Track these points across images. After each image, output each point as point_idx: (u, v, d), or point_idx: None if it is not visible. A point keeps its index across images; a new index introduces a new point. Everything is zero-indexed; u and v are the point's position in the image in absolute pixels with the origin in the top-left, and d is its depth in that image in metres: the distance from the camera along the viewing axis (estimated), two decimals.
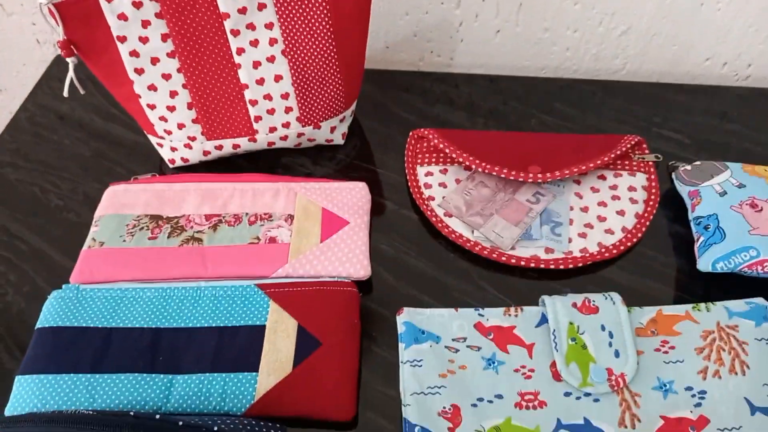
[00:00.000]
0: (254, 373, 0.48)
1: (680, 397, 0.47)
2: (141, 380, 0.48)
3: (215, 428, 0.39)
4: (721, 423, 0.46)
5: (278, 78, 0.59)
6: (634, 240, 0.58)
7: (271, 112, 0.61)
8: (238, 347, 0.50)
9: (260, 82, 0.59)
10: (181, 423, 0.39)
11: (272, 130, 0.62)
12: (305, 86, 0.60)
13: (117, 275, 0.54)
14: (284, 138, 0.63)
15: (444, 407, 0.47)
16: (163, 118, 0.60)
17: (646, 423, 0.46)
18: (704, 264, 0.53)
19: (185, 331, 0.51)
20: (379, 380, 0.50)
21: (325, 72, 0.60)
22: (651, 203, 0.60)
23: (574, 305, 0.51)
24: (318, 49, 0.58)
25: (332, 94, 0.62)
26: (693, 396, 0.47)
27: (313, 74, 0.60)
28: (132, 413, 0.39)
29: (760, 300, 0.51)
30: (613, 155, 0.61)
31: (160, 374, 0.48)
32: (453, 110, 0.72)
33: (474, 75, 0.76)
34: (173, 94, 0.58)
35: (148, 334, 0.50)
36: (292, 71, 0.59)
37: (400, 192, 0.63)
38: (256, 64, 0.58)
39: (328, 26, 0.57)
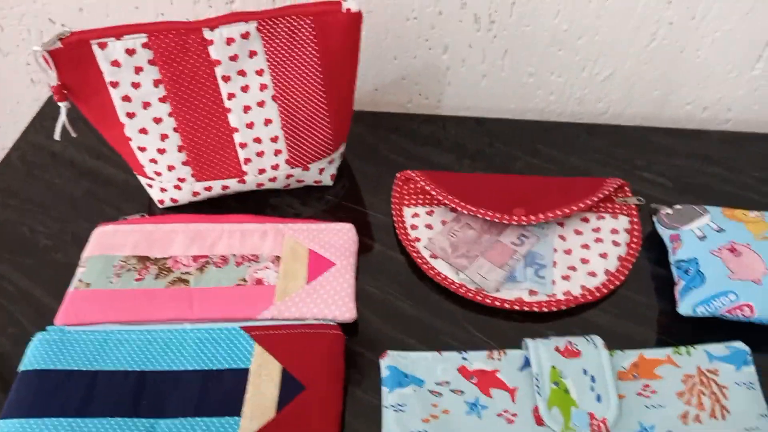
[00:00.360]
0: (237, 418, 0.48)
1: None
2: (124, 425, 0.48)
3: None
4: None
5: (268, 122, 0.60)
6: (617, 282, 0.58)
7: (260, 154, 0.62)
8: (222, 391, 0.50)
9: (250, 125, 0.60)
10: None
11: (261, 171, 0.63)
12: (294, 129, 0.61)
13: (103, 317, 0.55)
14: (273, 179, 0.64)
15: None
16: (153, 161, 0.61)
17: None
18: (685, 308, 0.54)
19: (170, 374, 0.51)
20: (363, 424, 0.50)
21: (315, 115, 0.61)
22: (633, 246, 0.61)
23: (557, 349, 0.51)
24: (307, 94, 0.60)
25: (321, 136, 0.63)
26: None
27: (302, 118, 0.61)
28: None
29: (739, 344, 0.52)
30: (596, 198, 0.62)
31: (143, 418, 0.48)
32: (440, 151, 0.73)
33: (461, 117, 0.78)
34: (164, 137, 0.59)
35: (133, 377, 0.50)
36: (282, 115, 0.60)
37: (388, 233, 0.64)
38: (246, 109, 0.59)
39: (317, 71, 0.59)
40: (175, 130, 0.59)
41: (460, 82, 0.80)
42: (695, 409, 0.49)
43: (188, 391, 0.50)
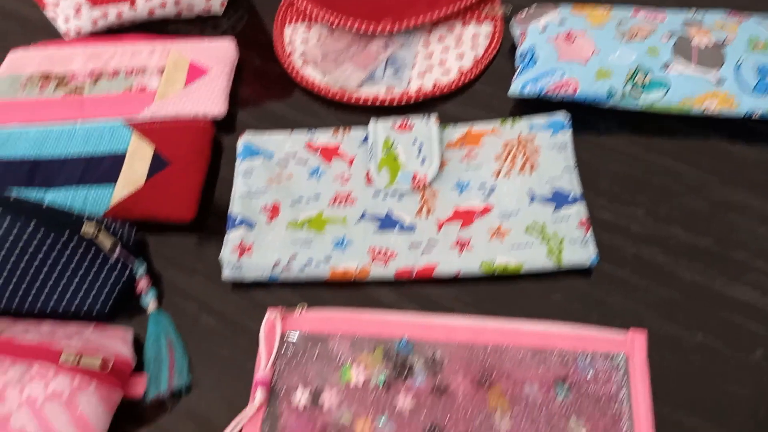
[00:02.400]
0: (111, 186, 0.56)
1: (473, 193, 0.54)
2: (19, 193, 0.56)
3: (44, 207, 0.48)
4: (502, 209, 0.53)
5: None
6: (467, 79, 0.63)
7: None
8: (102, 169, 0.58)
9: None
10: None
11: None
12: None
13: (6, 120, 0.63)
14: (163, 5, 0.70)
15: (266, 204, 0.54)
16: None
17: (440, 212, 0.53)
18: (514, 88, 0.59)
19: (59, 161, 0.59)
20: (221, 196, 0.58)
21: None
22: (491, 49, 0.66)
23: (393, 125, 0.57)
24: None
25: None
26: (484, 191, 0.54)
27: None
28: None
29: (561, 113, 0.57)
30: (461, 6, 0.66)
31: (36, 187, 0.57)
32: None
33: None
34: None
35: (27, 164, 0.59)
36: None
37: (268, 49, 0.70)
38: None
39: None
40: None
41: None
42: (508, 167, 0.55)
43: (73, 170, 0.58)
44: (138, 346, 0.50)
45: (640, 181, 0.56)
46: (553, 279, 0.51)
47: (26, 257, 0.49)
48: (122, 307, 0.52)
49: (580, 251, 0.50)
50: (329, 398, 0.46)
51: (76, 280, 0.50)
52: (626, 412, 0.44)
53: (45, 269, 0.49)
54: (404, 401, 0.45)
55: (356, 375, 0.47)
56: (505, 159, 0.55)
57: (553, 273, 0.51)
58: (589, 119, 0.59)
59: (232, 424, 0.45)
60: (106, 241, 0.50)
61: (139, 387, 0.47)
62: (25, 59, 0.68)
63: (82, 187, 0.57)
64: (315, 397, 0.46)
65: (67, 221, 0.49)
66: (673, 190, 0.55)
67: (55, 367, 0.43)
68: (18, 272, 0.49)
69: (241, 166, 0.57)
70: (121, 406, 0.47)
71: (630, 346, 0.46)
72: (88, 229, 0.48)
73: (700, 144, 0.58)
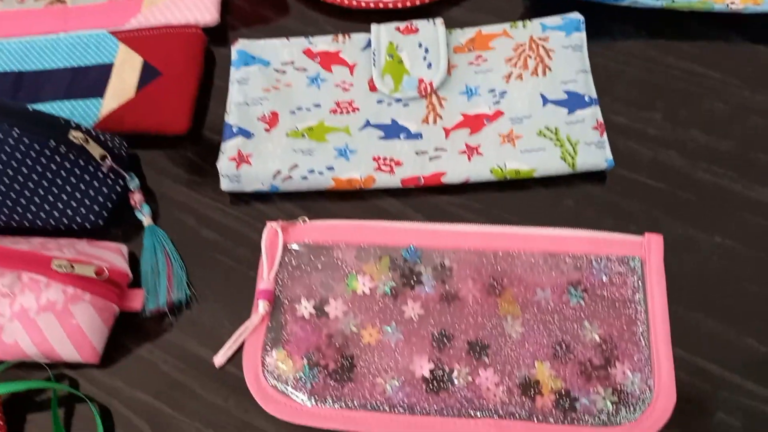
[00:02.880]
0: (99, 98, 0.53)
1: (482, 98, 0.51)
2: None
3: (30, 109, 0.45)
4: (513, 114, 0.50)
5: None
6: None
7: None
8: (89, 80, 0.55)
9: None
10: None
11: None
12: None
13: None
14: None
15: (264, 114, 0.52)
16: None
17: (447, 119, 0.51)
18: None
19: (44, 73, 0.56)
20: (216, 106, 0.55)
21: None
22: None
23: (398, 29, 0.54)
24: None
25: None
26: (494, 96, 0.51)
27: None
28: None
29: (574, 14, 0.53)
30: None
31: (21, 101, 0.54)
32: None
33: None
34: None
35: (11, 76, 0.56)
36: None
37: None
38: None
39: None
40: None
41: None
42: (519, 70, 0.52)
43: (59, 83, 0.55)
44: (135, 264, 0.48)
45: (657, 85, 0.53)
46: (566, 184, 0.49)
47: (11, 166, 0.46)
48: (118, 226, 0.50)
49: (596, 153, 0.47)
50: (335, 308, 0.44)
51: (67, 192, 0.47)
52: (641, 316, 0.42)
53: (32, 180, 0.46)
54: (412, 309, 0.44)
55: (362, 284, 0.45)
56: (517, 62, 0.52)
57: (565, 178, 0.49)
58: (604, 23, 0.56)
59: (235, 335, 0.44)
60: (95, 150, 0.47)
61: (137, 300, 0.45)
62: None
63: (69, 100, 0.54)
64: (320, 306, 0.44)
65: (53, 126, 0.46)
66: (693, 94, 0.52)
67: (47, 277, 0.41)
68: (4, 183, 0.46)
69: (236, 74, 0.53)
70: (121, 321, 0.45)
71: (646, 249, 0.44)
72: (76, 134, 0.46)
73: (722, 46, 0.54)
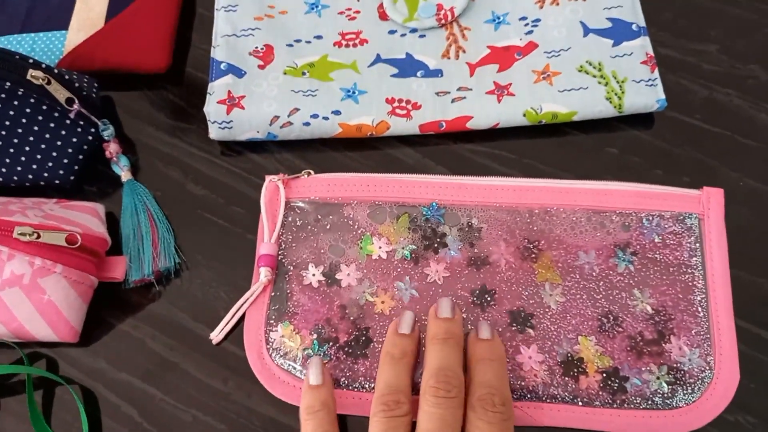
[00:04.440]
0: (63, 31, 0.46)
1: (512, 27, 0.44)
2: None
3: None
4: (549, 46, 0.43)
5: None
6: None
7: None
8: (49, 9, 0.47)
9: None
10: None
11: None
12: None
13: None
14: None
15: (256, 47, 0.44)
16: None
17: (472, 53, 0.44)
18: None
19: None
20: (200, 38, 0.47)
21: None
22: None
23: None
24: None
25: None
26: (526, 25, 0.44)
27: None
28: None
29: None
30: None
31: None
32: None
33: None
34: None
35: None
36: None
37: None
38: None
39: None
40: None
41: None
42: None
43: (15, 13, 0.47)
44: (114, 227, 0.42)
45: (711, 11, 0.46)
46: (609, 130, 0.43)
47: None
48: (92, 182, 0.44)
49: (646, 93, 0.41)
50: (347, 274, 0.39)
51: (29, 142, 0.40)
52: (699, 282, 0.37)
53: None
54: (436, 277, 0.38)
55: (378, 247, 0.39)
56: None
57: (607, 122, 0.42)
58: None
59: (234, 308, 0.38)
60: (60, 93, 0.40)
61: (118, 269, 0.39)
62: None
63: (27, 34, 0.46)
64: (330, 273, 0.39)
65: (8, 64, 0.38)
66: (753, 22, 0.45)
67: (9, 247, 0.35)
68: None
69: (221, 0, 0.46)
70: (101, 293, 0.39)
71: (705, 206, 0.39)
72: (35, 73, 0.38)
73: None
